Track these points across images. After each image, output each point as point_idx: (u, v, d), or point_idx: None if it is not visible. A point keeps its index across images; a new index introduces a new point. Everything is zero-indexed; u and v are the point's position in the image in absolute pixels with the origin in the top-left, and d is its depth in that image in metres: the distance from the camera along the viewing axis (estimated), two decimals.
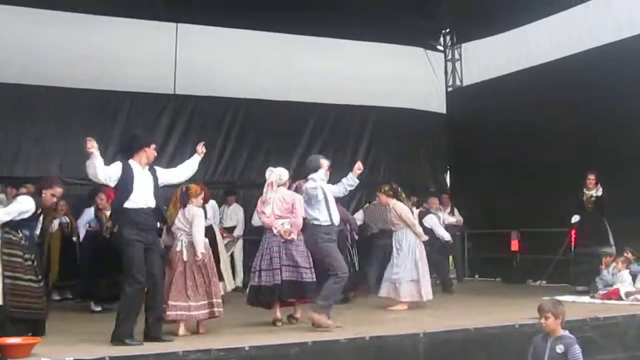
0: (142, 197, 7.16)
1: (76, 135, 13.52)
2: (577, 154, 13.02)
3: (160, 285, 7.30)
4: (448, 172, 16.81)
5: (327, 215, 8.13)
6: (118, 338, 6.79)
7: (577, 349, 6.04)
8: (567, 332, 6.21)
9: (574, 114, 13.23)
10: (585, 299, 10.53)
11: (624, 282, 10.38)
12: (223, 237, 11.83)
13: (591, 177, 11.72)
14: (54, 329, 7.41)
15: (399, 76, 16.08)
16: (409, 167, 15.97)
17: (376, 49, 16.06)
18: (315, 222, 8.11)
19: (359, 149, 16.08)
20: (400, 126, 15.89)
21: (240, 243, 12.94)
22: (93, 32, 13.53)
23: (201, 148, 7.86)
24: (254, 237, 13.23)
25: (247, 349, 6.43)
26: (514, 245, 14.41)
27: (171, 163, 13.96)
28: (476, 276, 15.09)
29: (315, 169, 8.34)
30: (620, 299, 10.04)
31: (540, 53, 14.48)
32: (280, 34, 15.04)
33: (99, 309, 10.04)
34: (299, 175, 8.77)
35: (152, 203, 7.22)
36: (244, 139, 14.97)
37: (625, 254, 10.84)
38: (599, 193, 11.69)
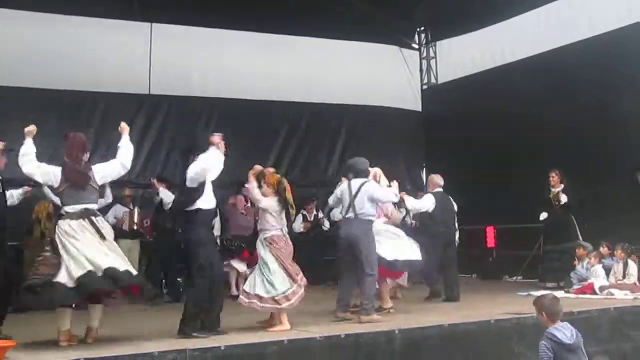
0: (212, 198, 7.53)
1: (50, 136, 13.46)
2: (553, 150, 13.12)
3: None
4: (424, 169, 16.87)
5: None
6: (186, 331, 7.06)
7: (540, 346, 5.92)
8: (552, 327, 5.98)
9: (549, 110, 13.33)
10: (560, 293, 10.56)
11: (597, 276, 10.49)
12: None
13: (553, 175, 11.86)
14: (28, 331, 7.36)
15: (374, 74, 16.16)
16: (385, 165, 15.90)
17: (351, 48, 16.11)
18: (372, 218, 8.52)
19: (335, 148, 16.14)
20: (376, 124, 15.95)
21: None
22: (67, 32, 13.47)
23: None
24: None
25: (222, 348, 6.43)
26: (490, 242, 14.50)
27: (147, 163, 14.06)
28: None
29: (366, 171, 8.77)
30: (595, 293, 10.15)
31: (515, 50, 14.60)
32: (255, 33, 15.04)
33: None
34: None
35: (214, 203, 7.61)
36: None
37: (601, 248, 10.95)
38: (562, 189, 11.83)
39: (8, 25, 12.89)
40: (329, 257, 12.62)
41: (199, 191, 7.39)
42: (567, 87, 12.99)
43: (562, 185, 11.83)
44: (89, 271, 6.73)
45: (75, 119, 13.60)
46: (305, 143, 15.82)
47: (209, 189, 7.50)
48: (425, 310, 9.39)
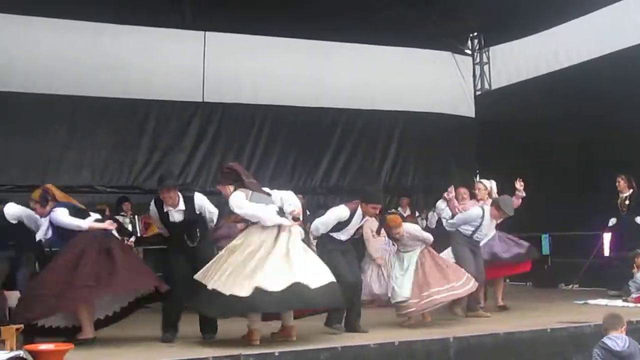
0: None
1: (105, 143, 13.74)
2: (610, 157, 12.86)
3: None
4: (477, 176, 16.69)
5: None
6: (330, 324, 7.81)
7: (593, 353, 6.40)
8: (606, 337, 6.41)
9: (606, 116, 13.08)
10: (618, 302, 10.40)
11: None
12: None
13: (619, 180, 11.62)
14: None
15: (426, 80, 16.07)
16: (438, 172, 15.90)
17: (404, 54, 16.05)
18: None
19: (387, 155, 16.10)
20: (429, 131, 15.85)
21: None
22: (121, 41, 13.68)
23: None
24: None
25: (277, 354, 6.43)
26: (545, 249, 14.27)
27: (200, 170, 14.22)
28: (507, 280, 14.96)
29: None
30: None
31: (570, 55, 14.37)
32: (307, 41, 15.09)
33: None
34: None
35: None
36: (273, 145, 15.03)
37: None
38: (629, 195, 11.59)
39: (62, 34, 13.16)
40: None
41: None
42: (626, 91, 12.68)
43: (631, 191, 11.59)
44: None
45: (129, 127, 13.86)
46: (357, 150, 15.80)
47: None
48: (481, 318, 9.26)
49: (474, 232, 9.27)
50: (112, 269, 7.14)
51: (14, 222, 7.76)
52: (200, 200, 7.74)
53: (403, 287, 8.40)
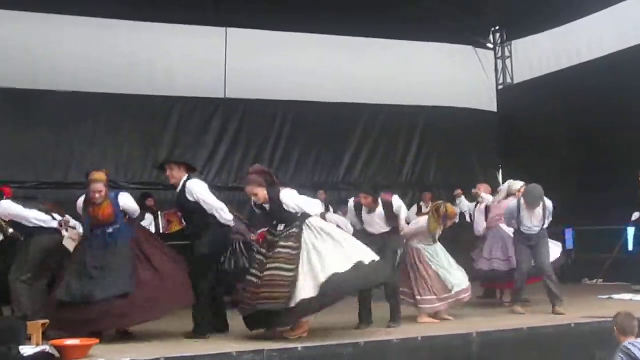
0: None
1: (128, 140, 13.83)
2: (633, 151, 12.77)
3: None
4: (500, 170, 16.64)
5: None
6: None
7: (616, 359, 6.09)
8: (627, 342, 6.10)
9: (629, 110, 12.99)
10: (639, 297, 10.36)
11: None
12: None
13: None
14: None
15: (448, 75, 15.99)
16: (461, 167, 15.85)
17: (425, 49, 16.01)
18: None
19: (409, 150, 16.03)
20: (451, 125, 15.78)
21: None
22: (144, 38, 13.76)
23: None
24: None
25: (299, 349, 6.48)
26: (569, 244, 14.19)
27: (223, 166, 14.27)
28: None
29: None
30: None
31: (592, 48, 14.26)
32: (328, 36, 15.05)
33: None
34: None
35: None
36: (295, 141, 15.04)
37: None
38: None
39: (85, 31, 13.22)
40: None
41: None
42: None
43: None
44: None
45: (151, 123, 13.92)
46: (379, 145, 15.76)
47: None
48: (504, 313, 9.26)
49: (519, 226, 9.23)
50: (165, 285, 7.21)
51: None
52: (193, 187, 7.37)
53: (460, 278, 8.63)
